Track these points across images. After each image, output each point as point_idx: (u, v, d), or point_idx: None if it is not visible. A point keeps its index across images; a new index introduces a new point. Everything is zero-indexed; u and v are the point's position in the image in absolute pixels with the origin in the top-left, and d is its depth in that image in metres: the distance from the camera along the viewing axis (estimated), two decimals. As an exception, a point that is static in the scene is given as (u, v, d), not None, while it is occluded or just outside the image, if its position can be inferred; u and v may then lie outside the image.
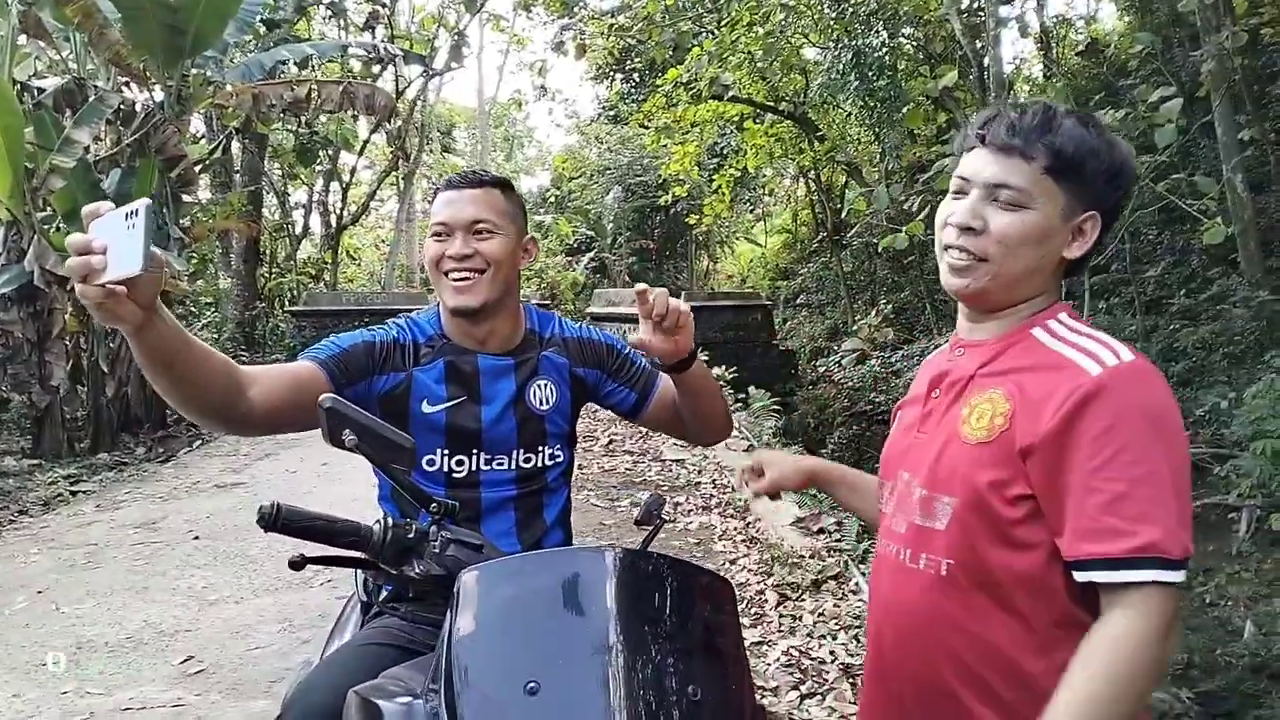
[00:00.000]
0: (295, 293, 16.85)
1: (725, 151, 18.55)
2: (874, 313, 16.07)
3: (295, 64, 12.99)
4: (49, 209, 10.17)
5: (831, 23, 12.45)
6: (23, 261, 9.50)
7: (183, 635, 4.28)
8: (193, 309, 16.81)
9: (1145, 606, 1.09)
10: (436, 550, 1.29)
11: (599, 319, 14.68)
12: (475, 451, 1.75)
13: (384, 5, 17.28)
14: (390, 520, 1.31)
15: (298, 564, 1.30)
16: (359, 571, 1.65)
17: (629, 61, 21.90)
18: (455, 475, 1.74)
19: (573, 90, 71.40)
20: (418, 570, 1.27)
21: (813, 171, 18.56)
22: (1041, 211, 1.23)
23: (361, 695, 1.16)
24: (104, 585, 5.03)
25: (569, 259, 28.55)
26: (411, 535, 1.30)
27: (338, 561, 1.38)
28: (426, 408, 1.72)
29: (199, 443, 10.18)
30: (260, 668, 3.86)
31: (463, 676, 1.10)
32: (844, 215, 15.92)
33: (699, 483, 6.89)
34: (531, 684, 1.06)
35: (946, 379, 1.33)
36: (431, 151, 29.06)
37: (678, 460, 7.57)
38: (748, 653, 1.40)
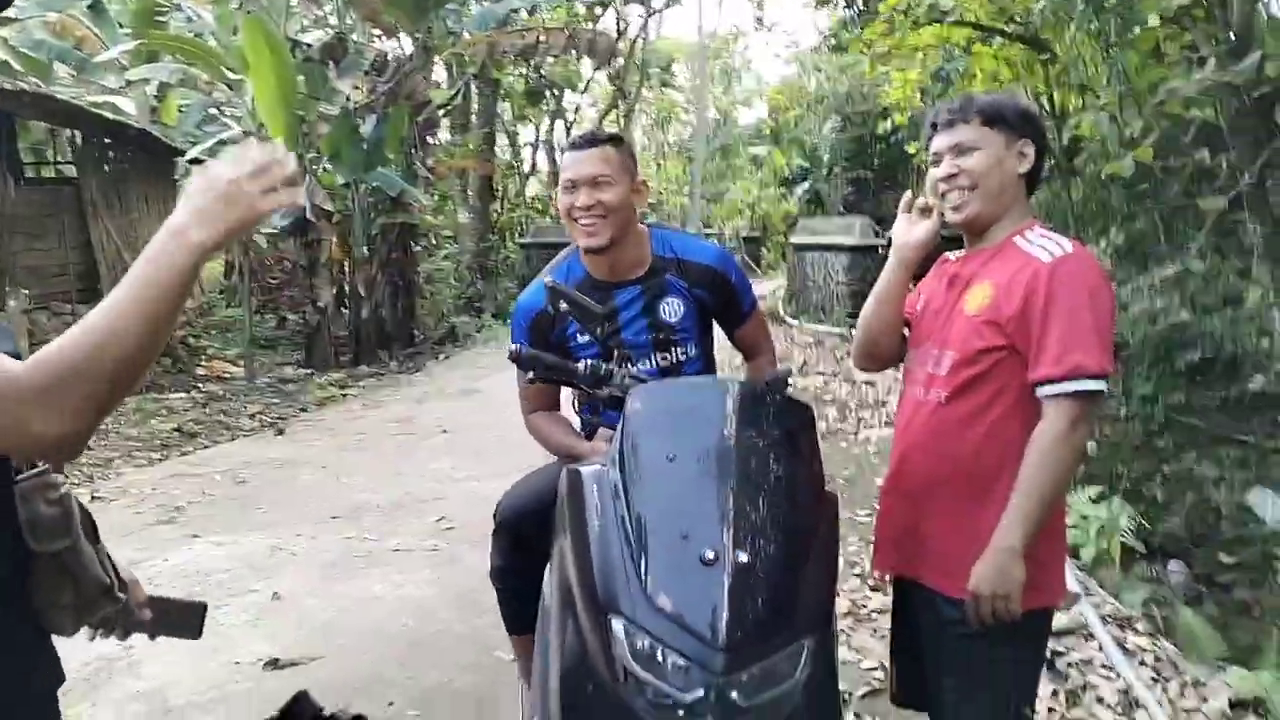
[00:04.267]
0: (524, 226, 18.13)
1: (951, 76, 17.92)
2: (1103, 244, 15.27)
3: (525, 11, 13.85)
4: (316, 151, 11.63)
5: (1061, -66, 11.79)
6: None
7: (435, 502, 5.22)
8: (435, 241, 18.49)
9: (1061, 411, 1.70)
10: (618, 382, 1.87)
11: (801, 249, 14.91)
12: (618, 357, 2.22)
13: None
14: (592, 362, 1.90)
15: (526, 366, 1.95)
16: (581, 410, 2.29)
17: (850, -14, 21.41)
18: None
19: (791, 20, 69.79)
20: (605, 391, 1.86)
21: (1045, 95, 17.59)
22: (989, 148, 1.83)
23: (571, 468, 1.75)
24: (371, 464, 6.10)
25: (783, 190, 28.43)
26: (604, 372, 1.88)
27: (555, 380, 2.01)
28: (580, 337, 2.25)
29: (443, 356, 11.45)
30: (496, 528, 4.69)
31: (627, 451, 1.66)
32: (1066, 142, 15.13)
33: (885, 402, 7.22)
34: (671, 455, 1.62)
35: (959, 279, 1.91)
36: (651, 87, 29.65)
37: (868, 382, 7.90)
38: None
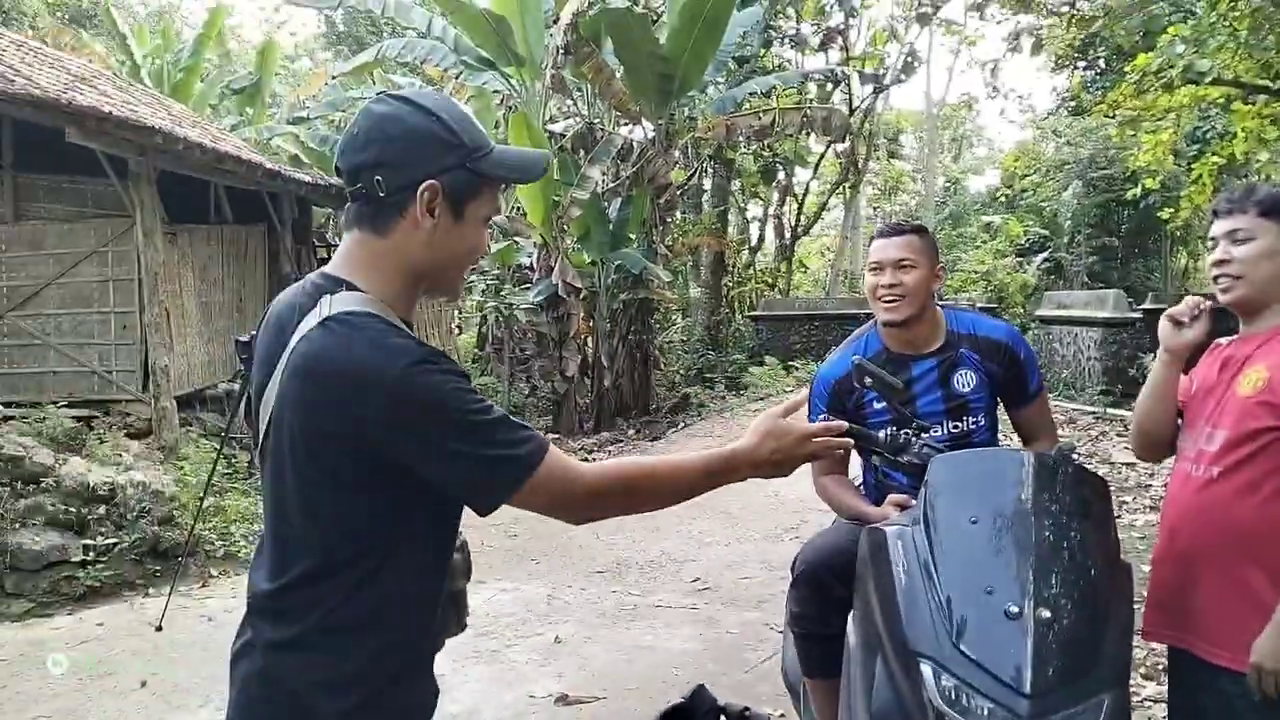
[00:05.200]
0: (754, 299, 18.54)
1: (1209, 137, 16.79)
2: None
3: (761, 94, 14.41)
4: (565, 231, 12.56)
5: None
6: (550, 276, 11.92)
7: (689, 563, 5.53)
8: (666, 314, 19.23)
9: None
10: (916, 449, 2.08)
11: (1047, 321, 14.33)
12: (914, 426, 2.39)
13: (840, 30, 18.30)
14: (892, 430, 2.12)
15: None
16: (865, 473, 2.50)
17: (1092, 50, 20.62)
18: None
19: (1026, 85, 67.39)
20: (904, 458, 2.08)
21: (1319, 154, 16.12)
22: (1263, 239, 1.92)
23: (873, 528, 1.98)
24: (629, 524, 6.47)
25: (1019, 260, 27.31)
26: (902, 440, 2.10)
27: (862, 448, 2.23)
28: (876, 404, 2.46)
29: (682, 425, 11.89)
30: (749, 591, 4.94)
31: (930, 513, 1.87)
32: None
33: (1149, 485, 6.89)
34: (974, 518, 1.81)
35: (1232, 361, 2.00)
36: (879, 159, 29.58)
37: (1128, 464, 7.55)
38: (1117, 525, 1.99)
